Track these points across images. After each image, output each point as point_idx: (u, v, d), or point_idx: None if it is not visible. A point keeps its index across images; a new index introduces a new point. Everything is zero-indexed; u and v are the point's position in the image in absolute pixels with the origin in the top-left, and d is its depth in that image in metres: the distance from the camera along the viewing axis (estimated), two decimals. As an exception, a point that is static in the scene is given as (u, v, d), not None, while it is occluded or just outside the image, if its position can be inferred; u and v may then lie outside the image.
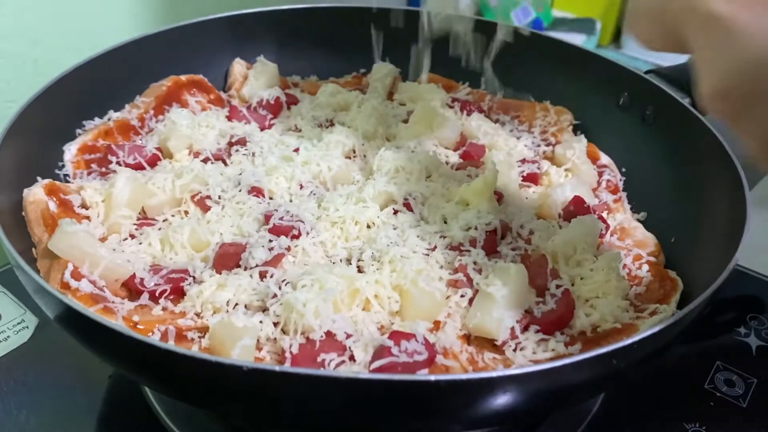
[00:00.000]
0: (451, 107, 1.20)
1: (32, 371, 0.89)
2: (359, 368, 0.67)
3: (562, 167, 1.05)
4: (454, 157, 1.06)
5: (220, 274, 0.79)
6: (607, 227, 0.93)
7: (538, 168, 1.04)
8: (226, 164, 1.00)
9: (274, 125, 1.13)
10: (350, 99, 1.16)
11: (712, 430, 0.86)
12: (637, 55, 1.90)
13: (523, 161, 1.06)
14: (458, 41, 1.08)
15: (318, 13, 1.27)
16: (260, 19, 1.24)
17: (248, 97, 1.18)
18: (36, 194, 0.83)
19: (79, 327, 0.64)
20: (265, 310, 0.74)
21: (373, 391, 0.55)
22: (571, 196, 0.94)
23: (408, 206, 0.91)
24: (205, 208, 0.89)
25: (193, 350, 0.66)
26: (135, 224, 0.87)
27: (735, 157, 0.85)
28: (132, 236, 0.85)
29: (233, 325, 0.67)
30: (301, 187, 0.95)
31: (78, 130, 1.01)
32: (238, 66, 1.23)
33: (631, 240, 0.92)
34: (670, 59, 1.00)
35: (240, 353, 0.66)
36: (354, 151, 1.06)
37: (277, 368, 0.55)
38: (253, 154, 1.01)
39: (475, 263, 0.81)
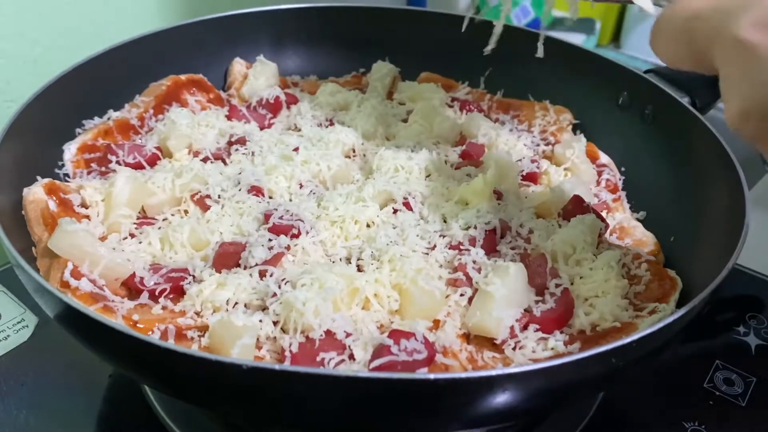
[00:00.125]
0: (451, 106, 1.20)
1: (32, 371, 0.89)
2: (359, 367, 0.67)
3: (561, 166, 1.05)
4: (454, 157, 1.06)
5: (220, 273, 0.79)
6: (607, 226, 0.93)
7: (538, 167, 1.04)
8: (225, 163, 1.00)
9: (273, 124, 1.13)
10: (350, 98, 1.17)
11: (711, 429, 0.86)
12: (637, 55, 1.90)
13: (523, 160, 1.06)
14: None
15: (318, 12, 1.27)
16: (260, 18, 1.24)
17: (248, 97, 1.18)
18: (36, 193, 0.83)
19: (79, 326, 0.64)
20: (264, 309, 0.74)
21: (373, 390, 0.55)
22: (570, 195, 0.94)
23: (407, 205, 0.91)
24: (205, 208, 0.89)
25: (193, 349, 0.66)
26: (135, 223, 0.87)
27: (734, 157, 0.85)
28: (132, 235, 0.85)
29: (233, 324, 0.67)
30: (301, 186, 0.95)
31: (78, 130, 1.01)
32: (238, 65, 1.23)
33: (631, 239, 0.93)
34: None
35: (240, 352, 0.66)
36: (354, 151, 1.06)
37: (276, 367, 0.55)
38: (253, 154, 1.01)
39: (474, 262, 0.81)
